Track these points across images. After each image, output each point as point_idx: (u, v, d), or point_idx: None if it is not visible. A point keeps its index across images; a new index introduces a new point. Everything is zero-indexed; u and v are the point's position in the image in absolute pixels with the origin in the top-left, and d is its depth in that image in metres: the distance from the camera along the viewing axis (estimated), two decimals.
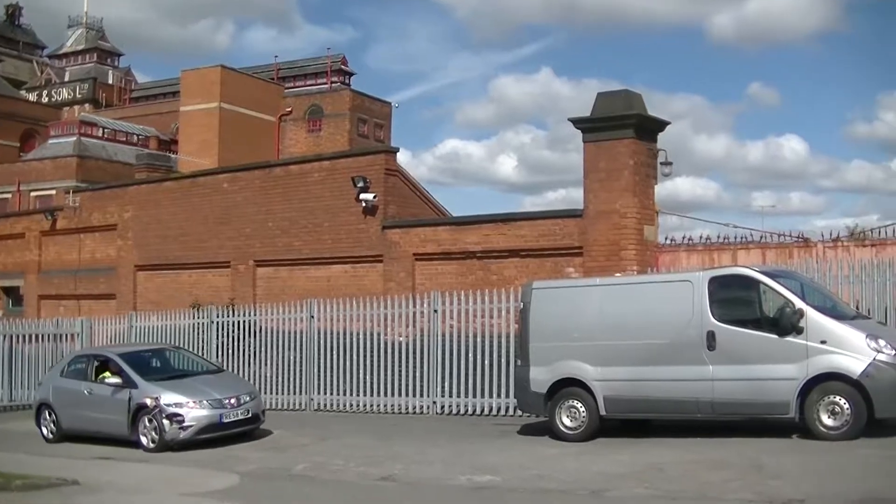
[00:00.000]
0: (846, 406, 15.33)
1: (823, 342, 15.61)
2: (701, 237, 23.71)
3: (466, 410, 22.43)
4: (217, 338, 26.65)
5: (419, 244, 26.62)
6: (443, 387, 22.72)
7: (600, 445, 16.92)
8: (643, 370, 16.88)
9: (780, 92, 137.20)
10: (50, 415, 22.01)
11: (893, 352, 15.56)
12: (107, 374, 21.05)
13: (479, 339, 22.18)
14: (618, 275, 20.63)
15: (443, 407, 22.86)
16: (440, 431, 19.88)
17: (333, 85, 61.47)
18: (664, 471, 13.89)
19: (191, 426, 19.32)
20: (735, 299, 16.98)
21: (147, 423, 19.63)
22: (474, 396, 22.38)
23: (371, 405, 23.96)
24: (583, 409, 17.53)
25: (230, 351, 26.37)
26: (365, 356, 23.98)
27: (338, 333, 24.45)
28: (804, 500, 11.43)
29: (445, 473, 14.98)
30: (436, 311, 23.06)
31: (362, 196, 27.26)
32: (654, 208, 23.82)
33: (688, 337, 16.56)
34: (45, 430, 22.09)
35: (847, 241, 22.80)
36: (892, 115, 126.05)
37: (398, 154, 29.49)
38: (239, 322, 26.62)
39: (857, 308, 18.08)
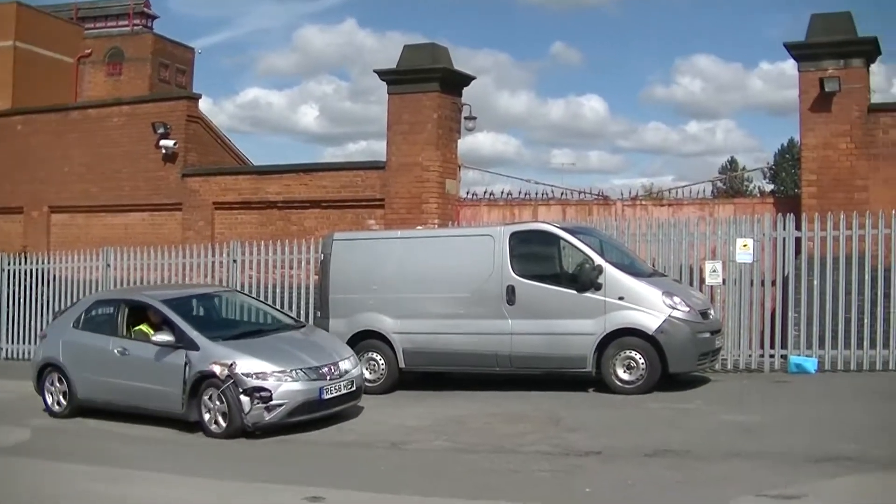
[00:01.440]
0: (641, 361, 15.73)
1: (621, 298, 15.94)
2: (502, 192, 23.92)
3: None
4: (7, 287, 25.72)
5: (219, 193, 26.12)
6: None
7: (400, 398, 16.95)
8: (443, 323, 16.96)
9: (583, 52, 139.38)
10: (59, 380, 16.50)
11: (687, 309, 16.00)
12: (143, 326, 15.74)
13: (278, 290, 21.91)
14: (419, 228, 20.69)
15: None
16: None
17: (135, 28, 59.79)
18: (463, 423, 13.97)
19: (281, 405, 14.00)
20: (535, 254, 17.18)
21: (213, 400, 14.29)
22: None
23: None
24: (382, 361, 17.56)
25: (22, 300, 25.36)
26: None
27: (135, 283, 23.88)
28: (600, 451, 11.63)
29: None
30: (235, 261, 22.66)
31: (162, 143, 26.59)
32: (457, 162, 23.88)
33: (488, 291, 16.71)
34: (50, 399, 16.66)
35: (645, 200, 23.27)
36: (688, 80, 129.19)
37: (200, 101, 28.87)
38: (31, 270, 25.71)
39: (654, 265, 18.45)
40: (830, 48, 19.98)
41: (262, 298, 19.16)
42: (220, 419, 14.23)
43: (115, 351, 15.68)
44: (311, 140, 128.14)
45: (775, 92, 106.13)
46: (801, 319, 18.07)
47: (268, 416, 13.98)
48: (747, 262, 18.37)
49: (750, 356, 18.32)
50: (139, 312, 16.02)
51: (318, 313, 18.86)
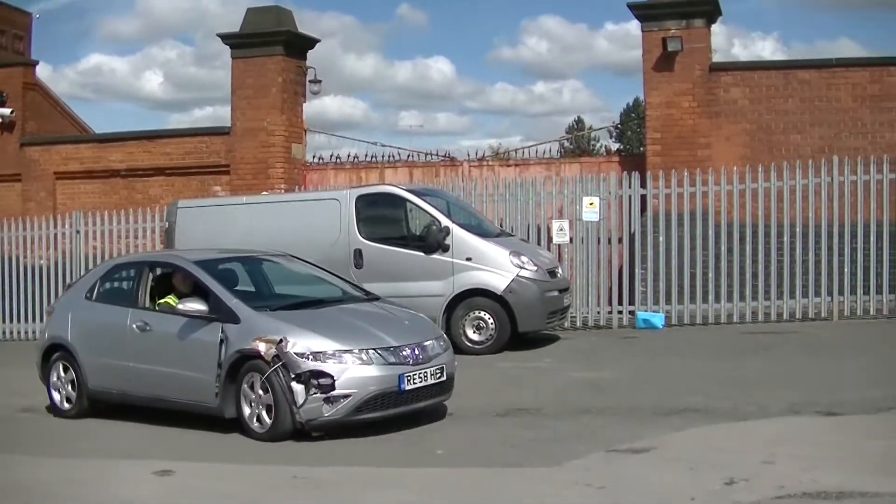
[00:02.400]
0: (490, 321, 15.82)
1: (469, 259, 15.98)
2: (349, 156, 23.76)
3: None
4: None
5: (60, 162, 25.49)
6: None
7: None
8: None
9: (429, 14, 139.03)
10: (67, 367, 12.95)
11: (535, 268, 16.09)
12: (171, 297, 12.36)
13: None
14: (265, 193, 20.49)
15: None
16: None
17: None
18: None
19: (346, 396, 10.47)
20: (382, 217, 17.14)
21: (257, 389, 10.80)
22: None
23: (9, 332, 22.87)
24: None
25: None
26: (3, 281, 22.88)
27: None
28: (452, 413, 11.59)
29: None
30: (78, 231, 22.16)
31: None
32: (303, 126, 23.91)
33: (335, 255, 16.53)
34: (58, 395, 13.07)
35: (492, 160, 23.37)
36: (535, 41, 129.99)
37: (38, 67, 28.20)
38: None
39: (502, 226, 18.54)
40: (672, 8, 20.34)
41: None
42: (265, 415, 10.79)
43: (134, 326, 12.24)
44: (156, 107, 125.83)
45: (620, 52, 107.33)
46: (648, 276, 18.38)
47: (328, 411, 10.51)
48: (594, 221, 18.55)
49: (598, 313, 18.56)
50: (167, 280, 12.74)
51: None
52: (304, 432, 10.57)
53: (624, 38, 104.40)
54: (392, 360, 10.76)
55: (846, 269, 17.60)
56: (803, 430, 9.57)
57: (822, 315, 17.69)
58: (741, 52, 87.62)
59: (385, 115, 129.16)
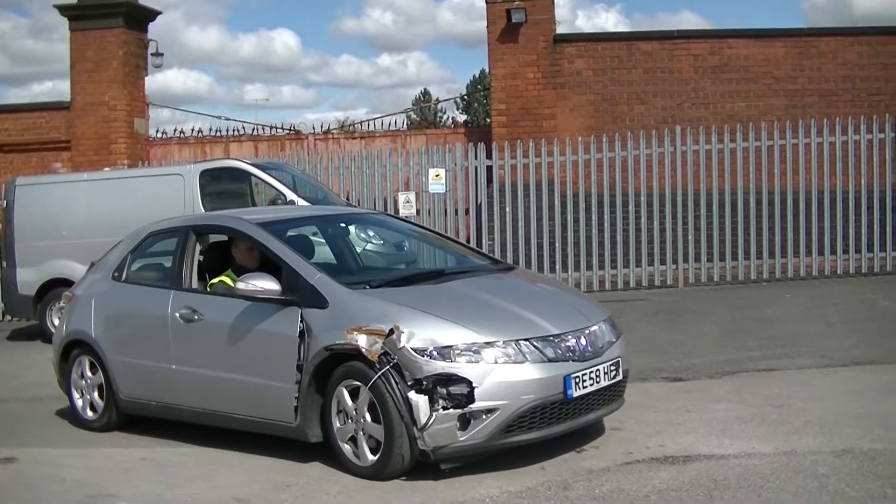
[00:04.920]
0: None
1: (315, 233, 15.79)
2: (193, 130, 23.51)
3: None
4: None
5: None
6: None
7: None
8: None
9: None
10: (93, 367, 10.04)
11: (382, 241, 16.00)
12: (226, 276, 9.11)
13: None
14: (107, 169, 20.05)
15: None
16: None
17: None
18: None
19: (492, 411, 7.25)
20: (227, 192, 16.85)
21: (354, 403, 7.64)
22: None
23: None
24: None
25: None
26: None
27: None
28: None
29: None
30: None
31: None
32: (145, 100, 23.57)
33: None
34: (80, 402, 10.16)
35: (337, 133, 23.32)
36: (379, 12, 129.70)
37: None
38: None
39: (348, 199, 18.45)
40: None
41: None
42: (369, 440, 7.62)
43: (177, 315, 9.04)
44: None
45: (465, 24, 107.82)
46: (496, 246, 18.40)
47: (464, 434, 7.27)
48: (440, 192, 18.58)
49: None
50: (220, 252, 9.61)
51: (4, 263, 18.07)
52: (430, 464, 7.44)
53: (468, 9, 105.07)
54: (552, 354, 7.58)
55: (690, 237, 17.89)
56: (650, 396, 9.65)
57: (669, 282, 17.98)
58: (585, 23, 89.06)
59: (230, 89, 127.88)
